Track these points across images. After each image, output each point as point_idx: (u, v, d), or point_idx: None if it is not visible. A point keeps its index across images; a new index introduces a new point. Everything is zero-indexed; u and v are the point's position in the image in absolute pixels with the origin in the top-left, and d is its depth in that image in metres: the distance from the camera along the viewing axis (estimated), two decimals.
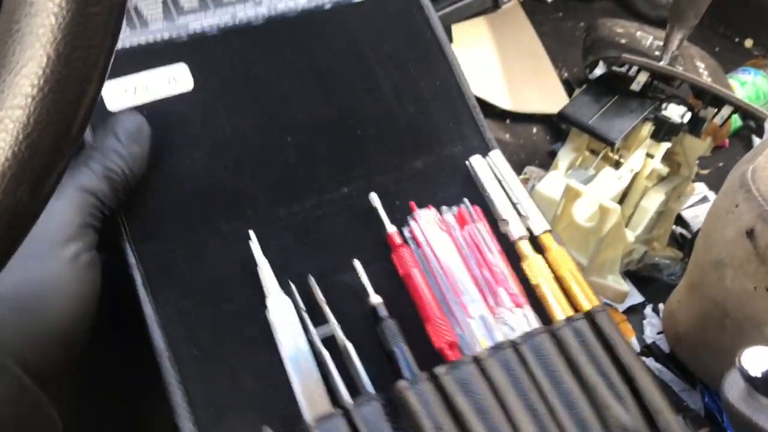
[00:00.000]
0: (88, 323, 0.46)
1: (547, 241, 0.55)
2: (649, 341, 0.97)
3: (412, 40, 0.62)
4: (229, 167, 0.55)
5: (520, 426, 0.47)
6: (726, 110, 0.91)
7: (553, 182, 0.93)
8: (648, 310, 1.01)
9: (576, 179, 0.90)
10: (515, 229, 0.55)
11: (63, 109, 0.27)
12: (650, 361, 0.92)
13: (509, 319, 0.50)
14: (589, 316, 0.51)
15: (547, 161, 1.18)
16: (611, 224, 0.85)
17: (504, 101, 1.22)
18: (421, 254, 0.53)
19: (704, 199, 1.16)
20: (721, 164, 1.22)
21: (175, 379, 0.47)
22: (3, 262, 0.28)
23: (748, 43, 1.44)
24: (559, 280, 0.53)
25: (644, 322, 1.00)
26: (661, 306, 0.99)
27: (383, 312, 0.50)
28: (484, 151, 0.58)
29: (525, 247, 0.54)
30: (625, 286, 0.92)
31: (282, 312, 0.49)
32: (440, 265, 0.52)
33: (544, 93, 1.26)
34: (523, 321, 0.51)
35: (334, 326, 0.49)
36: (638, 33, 1.02)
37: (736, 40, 1.44)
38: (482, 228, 0.54)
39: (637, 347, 0.95)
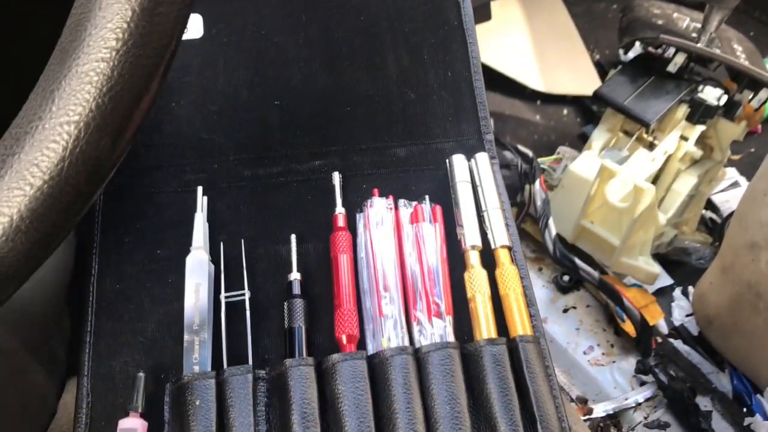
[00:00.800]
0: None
1: (503, 256, 0.51)
2: (677, 323, 0.97)
3: (435, 24, 0.60)
4: (210, 119, 0.56)
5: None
6: (764, 93, 0.90)
7: (587, 162, 0.93)
8: (677, 292, 1.01)
9: (609, 160, 0.89)
10: (470, 237, 0.52)
11: (145, 63, 0.28)
12: (678, 343, 0.92)
13: (425, 327, 0.48)
14: (514, 344, 0.47)
15: (577, 143, 1.17)
16: (645, 204, 0.85)
17: (535, 82, 1.22)
18: (362, 242, 0.52)
19: (735, 184, 1.15)
20: (752, 150, 1.21)
21: (90, 308, 0.49)
22: (84, 207, 0.29)
23: None
24: (501, 299, 0.50)
25: (672, 304, 1.00)
26: (690, 289, 0.99)
27: (296, 289, 0.50)
28: (480, 152, 0.56)
29: (473, 258, 0.51)
30: (656, 267, 0.92)
31: (195, 268, 0.50)
32: (373, 258, 0.50)
33: (576, 74, 1.25)
34: (439, 331, 0.48)
35: (246, 294, 0.50)
36: (675, 14, 1.01)
37: None
38: (432, 229, 0.52)
39: (665, 329, 0.95)
